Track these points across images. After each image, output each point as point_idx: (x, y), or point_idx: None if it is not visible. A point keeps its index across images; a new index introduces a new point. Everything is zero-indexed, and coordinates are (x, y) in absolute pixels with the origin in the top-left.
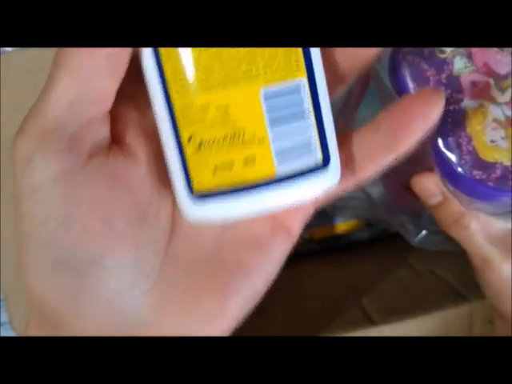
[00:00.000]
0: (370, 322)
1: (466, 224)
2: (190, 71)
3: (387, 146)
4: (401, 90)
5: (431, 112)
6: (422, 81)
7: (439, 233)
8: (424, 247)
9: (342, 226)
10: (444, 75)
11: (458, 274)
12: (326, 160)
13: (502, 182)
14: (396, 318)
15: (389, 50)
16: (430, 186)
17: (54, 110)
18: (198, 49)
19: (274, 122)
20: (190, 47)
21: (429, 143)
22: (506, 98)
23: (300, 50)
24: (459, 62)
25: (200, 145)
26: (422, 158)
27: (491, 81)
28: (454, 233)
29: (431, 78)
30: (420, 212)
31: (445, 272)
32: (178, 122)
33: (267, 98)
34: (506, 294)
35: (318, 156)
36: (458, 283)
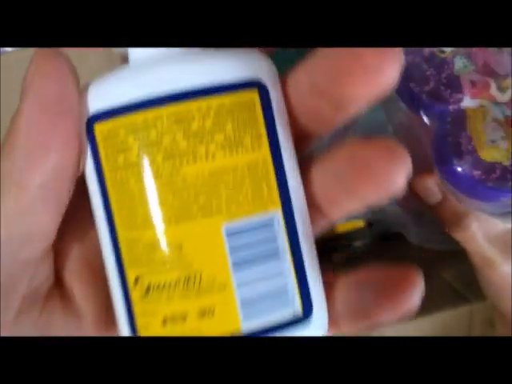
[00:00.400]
0: None
1: (466, 224)
2: (137, 202)
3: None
4: (401, 90)
5: None
6: (422, 81)
7: (440, 233)
8: (424, 246)
9: (342, 226)
10: (444, 75)
11: (458, 274)
12: (308, 310)
13: (501, 183)
14: None
15: None
16: (430, 185)
17: None
18: (149, 176)
19: (240, 264)
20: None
21: (429, 143)
22: (505, 97)
23: (273, 177)
24: (459, 61)
25: (148, 289)
26: (423, 158)
27: (491, 81)
28: (455, 233)
29: (431, 77)
30: (421, 212)
31: (445, 272)
32: (123, 260)
33: (231, 234)
34: (507, 293)
35: (297, 305)
36: (458, 283)
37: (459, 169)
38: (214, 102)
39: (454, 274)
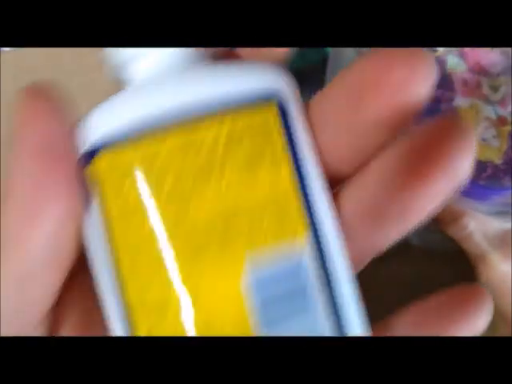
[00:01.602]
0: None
1: (464, 223)
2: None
3: None
4: None
5: None
6: None
7: (439, 232)
8: (424, 246)
9: None
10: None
11: (458, 274)
12: None
13: (492, 181)
14: None
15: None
16: None
17: None
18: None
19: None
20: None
21: None
22: (497, 96)
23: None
24: (451, 60)
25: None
26: None
27: (483, 79)
28: (453, 232)
29: None
30: None
31: (445, 272)
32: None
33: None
34: (506, 292)
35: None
36: (458, 283)
37: None
38: (226, 123)
39: (454, 274)
